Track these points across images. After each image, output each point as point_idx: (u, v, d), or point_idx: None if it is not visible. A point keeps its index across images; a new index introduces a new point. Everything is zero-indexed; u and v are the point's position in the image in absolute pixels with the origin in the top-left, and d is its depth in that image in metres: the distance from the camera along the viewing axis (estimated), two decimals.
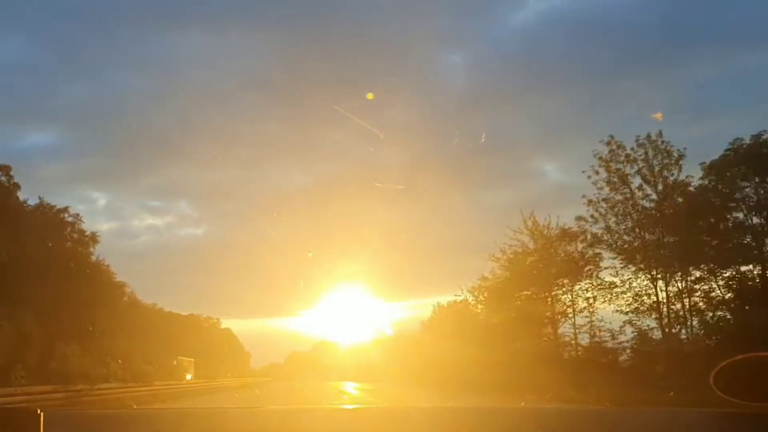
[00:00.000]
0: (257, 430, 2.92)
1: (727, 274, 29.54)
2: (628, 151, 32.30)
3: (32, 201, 47.55)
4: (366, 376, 75.52)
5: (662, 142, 32.00)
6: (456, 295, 48.59)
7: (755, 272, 28.95)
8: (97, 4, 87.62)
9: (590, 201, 32.93)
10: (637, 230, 32.58)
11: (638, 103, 66.03)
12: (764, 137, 28.27)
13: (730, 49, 75.57)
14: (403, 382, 54.75)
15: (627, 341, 33.07)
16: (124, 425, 2.99)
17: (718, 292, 30.12)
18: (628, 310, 32.41)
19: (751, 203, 28.63)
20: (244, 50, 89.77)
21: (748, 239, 29.23)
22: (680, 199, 32.26)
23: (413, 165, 64.00)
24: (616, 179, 32.37)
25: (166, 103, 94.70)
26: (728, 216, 29.43)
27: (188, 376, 51.43)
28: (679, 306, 31.78)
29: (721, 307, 30.03)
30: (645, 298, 32.14)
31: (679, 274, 31.53)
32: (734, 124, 75.36)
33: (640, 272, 32.25)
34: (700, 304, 30.83)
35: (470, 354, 40.55)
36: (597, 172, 32.69)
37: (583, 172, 33.00)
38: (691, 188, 31.78)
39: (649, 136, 32.14)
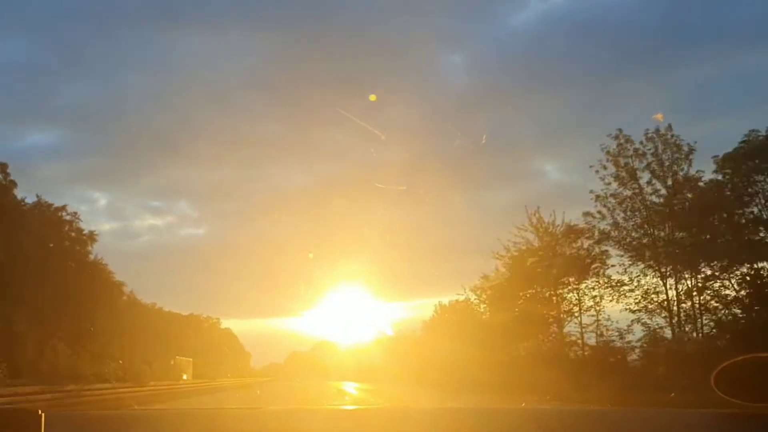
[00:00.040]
0: (257, 431, 2.88)
1: (741, 271, 28.10)
2: (637, 146, 30.98)
3: (30, 200, 46.70)
4: (366, 376, 74.47)
5: (672, 135, 30.70)
6: (458, 294, 47.35)
7: None
8: (98, 4, 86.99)
9: (598, 196, 31.60)
10: (646, 226, 31.14)
11: (638, 103, 65.16)
12: None
13: (730, 49, 75.10)
14: (404, 382, 53.90)
15: (635, 341, 31.73)
16: (124, 426, 2.93)
17: (731, 289, 28.70)
18: (636, 308, 31.01)
19: (766, 197, 27.22)
20: (245, 50, 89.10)
21: (762, 234, 27.84)
22: (689, 195, 30.87)
23: (413, 165, 62.94)
24: (624, 174, 30.98)
25: (167, 103, 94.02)
26: (742, 211, 28.00)
27: (184, 376, 49.99)
28: (689, 304, 30.37)
29: (733, 305, 28.62)
30: (654, 296, 30.77)
31: (690, 271, 30.11)
32: (734, 124, 74.47)
33: (649, 269, 30.84)
34: (712, 302, 29.40)
35: (472, 354, 39.39)
36: (605, 167, 31.40)
37: (591, 167, 31.77)
38: (701, 183, 30.39)
39: (658, 130, 30.87)
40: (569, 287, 35.45)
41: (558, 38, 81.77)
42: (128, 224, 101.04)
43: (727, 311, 28.45)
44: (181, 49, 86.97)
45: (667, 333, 30.42)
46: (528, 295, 37.27)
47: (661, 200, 30.83)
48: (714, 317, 28.80)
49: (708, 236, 28.94)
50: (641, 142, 30.89)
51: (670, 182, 30.62)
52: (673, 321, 30.13)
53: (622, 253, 32.10)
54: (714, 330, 29.43)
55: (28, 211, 46.30)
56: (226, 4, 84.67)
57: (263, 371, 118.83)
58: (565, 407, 11.00)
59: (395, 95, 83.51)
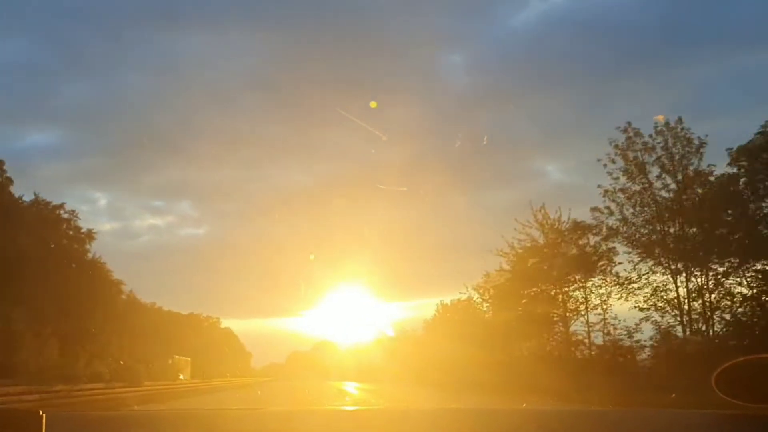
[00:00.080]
0: None
1: (755, 269, 26.79)
2: (646, 139, 29.67)
3: (28, 198, 45.71)
4: (367, 376, 73.53)
5: (682, 129, 29.38)
6: (461, 293, 46.09)
7: None
8: (98, 4, 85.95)
9: (606, 191, 30.25)
10: (655, 222, 29.83)
11: (638, 103, 64.29)
12: None
13: (730, 49, 74.42)
14: (404, 382, 53.08)
15: (644, 339, 30.45)
16: (125, 426, 2.91)
17: (745, 287, 27.42)
18: (645, 306, 29.71)
19: None
20: (245, 50, 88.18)
21: None
22: (699, 190, 29.59)
23: (414, 165, 62.18)
24: (633, 168, 29.68)
25: (167, 103, 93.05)
26: (757, 205, 26.68)
27: (181, 376, 48.67)
28: (699, 303, 29.05)
29: (746, 303, 27.31)
30: (663, 293, 29.46)
31: (701, 268, 28.81)
32: (734, 124, 73.18)
33: (659, 266, 29.54)
34: (725, 300, 28.08)
35: (474, 354, 38.25)
36: (613, 161, 30.06)
37: (599, 160, 30.47)
38: (711, 178, 29.12)
39: (667, 123, 29.57)
40: (575, 285, 34.13)
41: (558, 38, 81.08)
42: (129, 224, 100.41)
43: (741, 310, 27.11)
44: (181, 49, 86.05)
45: (677, 332, 29.14)
46: (533, 293, 35.96)
47: (671, 195, 29.53)
48: (728, 316, 27.42)
49: (721, 232, 27.61)
50: (651, 136, 29.64)
51: (680, 177, 29.31)
52: (684, 320, 28.81)
53: (630, 249, 30.84)
54: (725, 329, 28.20)
55: (26, 209, 45.36)
56: (226, 4, 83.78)
57: (264, 371, 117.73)
58: (565, 408, 10.96)
59: (395, 95, 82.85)
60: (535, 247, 35.30)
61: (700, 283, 29.02)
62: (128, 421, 3.05)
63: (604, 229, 31.32)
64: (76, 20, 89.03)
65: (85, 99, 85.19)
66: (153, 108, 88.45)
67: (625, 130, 29.97)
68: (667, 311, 29.22)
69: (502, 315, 40.24)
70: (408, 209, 69.78)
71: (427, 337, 56.47)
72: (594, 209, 30.96)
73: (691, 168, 29.33)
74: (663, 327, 29.09)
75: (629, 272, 30.59)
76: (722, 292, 28.29)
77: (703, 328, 28.74)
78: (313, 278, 59.37)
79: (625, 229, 30.35)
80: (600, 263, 33.01)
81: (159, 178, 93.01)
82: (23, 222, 42.00)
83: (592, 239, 33.53)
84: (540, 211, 35.26)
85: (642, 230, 30.06)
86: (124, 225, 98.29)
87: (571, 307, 34.46)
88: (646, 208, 29.93)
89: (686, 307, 28.90)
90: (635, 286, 30.41)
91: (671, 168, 29.28)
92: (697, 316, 28.90)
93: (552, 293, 35.18)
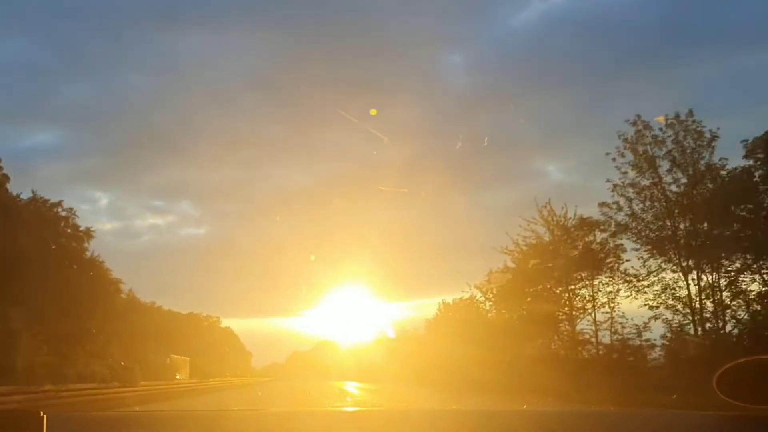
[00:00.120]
0: None
1: None
2: (656, 132, 28.43)
3: (26, 196, 44.77)
4: (367, 376, 72.47)
5: (693, 121, 28.11)
6: (463, 292, 44.82)
7: None
8: (98, 4, 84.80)
9: (615, 185, 28.95)
10: (666, 218, 28.53)
11: (638, 103, 63.20)
12: None
13: (730, 49, 73.69)
14: (405, 382, 52.01)
15: (654, 339, 29.20)
16: (125, 427, 2.90)
17: (759, 284, 26.15)
18: (654, 303, 28.43)
19: None
20: (245, 50, 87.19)
21: None
22: (710, 185, 28.30)
23: (414, 165, 61.24)
24: (644, 162, 28.39)
25: (167, 103, 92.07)
26: None
27: (178, 376, 47.31)
28: (711, 300, 27.77)
29: (760, 302, 26.05)
30: (674, 291, 28.18)
31: (713, 265, 27.54)
32: (734, 124, 72.38)
33: (669, 263, 28.25)
34: (738, 299, 26.80)
35: (477, 354, 36.91)
36: (623, 155, 28.79)
37: (607, 154, 29.23)
38: (723, 172, 27.84)
39: (678, 116, 28.29)
40: (582, 283, 32.82)
41: (558, 38, 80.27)
42: (129, 224, 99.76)
43: (756, 309, 25.81)
44: (181, 49, 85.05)
45: (689, 330, 27.82)
46: (538, 291, 34.64)
47: (682, 189, 28.23)
48: (744, 313, 26.16)
49: (734, 227, 26.35)
50: (661, 129, 28.39)
51: (691, 171, 28.03)
52: (696, 318, 27.51)
53: (639, 246, 29.56)
54: (735, 329, 26.99)
55: (24, 207, 44.35)
56: (226, 4, 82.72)
57: (264, 371, 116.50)
58: (566, 409, 11.00)
59: (396, 95, 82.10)
60: (541, 245, 34.02)
61: (711, 281, 27.80)
62: (129, 421, 3.01)
63: (613, 225, 29.99)
64: (76, 20, 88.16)
65: (86, 99, 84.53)
66: (153, 108, 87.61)
67: (634, 123, 28.78)
68: (678, 310, 27.92)
69: (507, 314, 39.06)
70: (408, 209, 68.75)
71: (429, 337, 55.30)
72: (602, 204, 29.74)
73: (702, 162, 28.10)
74: (674, 325, 27.77)
75: (639, 269, 29.34)
76: (735, 290, 27.03)
77: (715, 327, 27.46)
78: (313, 278, 58.46)
79: (634, 224, 29.06)
80: (607, 260, 31.74)
81: (159, 178, 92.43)
82: (20, 220, 41.10)
83: (599, 236, 32.33)
84: (545, 207, 34.03)
85: (652, 226, 28.76)
86: (124, 225, 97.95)
87: (578, 306, 33.15)
88: (656, 203, 28.66)
89: (698, 305, 27.61)
90: (644, 283, 29.13)
91: (682, 162, 28.00)
92: (709, 315, 27.61)
93: (558, 291, 33.86)
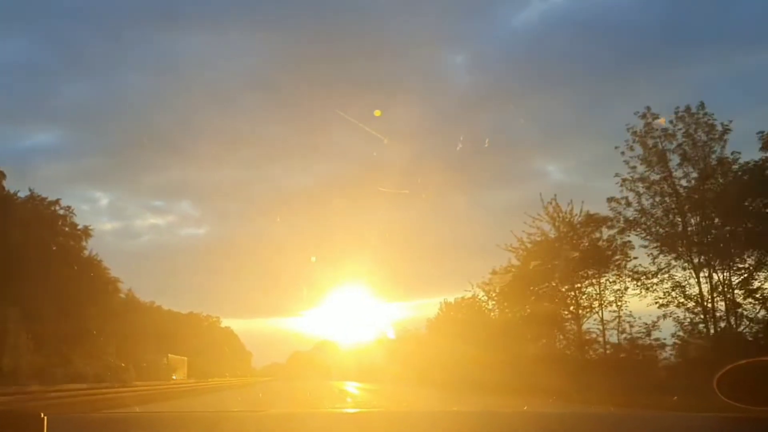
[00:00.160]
0: None
1: None
2: (666, 125, 27.16)
3: (24, 195, 43.90)
4: (368, 376, 71.35)
5: (704, 114, 26.85)
6: (466, 291, 43.56)
7: None
8: (98, 4, 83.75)
9: (624, 180, 27.66)
10: (676, 213, 27.26)
11: (638, 103, 61.86)
12: None
13: (730, 49, 72.61)
14: (406, 382, 50.95)
15: (663, 338, 27.93)
16: (126, 428, 2.87)
17: None
18: (664, 302, 27.15)
19: None
20: (245, 50, 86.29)
21: None
22: (721, 180, 27.04)
23: (415, 165, 60.29)
24: (653, 156, 27.14)
25: (168, 103, 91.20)
26: None
27: (174, 377, 46.01)
28: (723, 299, 26.49)
29: None
30: (685, 289, 26.89)
31: (726, 262, 26.27)
32: (734, 124, 70.93)
33: (680, 260, 26.96)
34: (751, 298, 25.52)
35: (479, 354, 35.77)
36: (632, 148, 27.52)
37: (616, 148, 27.99)
38: (735, 167, 26.57)
39: (688, 109, 27.03)
40: (589, 281, 31.51)
41: (558, 38, 79.42)
42: (130, 224, 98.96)
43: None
44: (181, 49, 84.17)
45: (700, 330, 26.55)
46: (543, 290, 33.33)
47: (693, 184, 26.96)
48: (760, 311, 24.86)
49: (748, 223, 25.10)
50: (671, 122, 27.14)
51: (702, 165, 26.77)
52: (708, 317, 26.22)
53: (647, 243, 28.27)
54: (748, 328, 25.72)
55: (21, 205, 43.37)
56: (226, 4, 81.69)
57: (264, 371, 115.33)
58: (566, 410, 10.76)
59: (396, 95, 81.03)
60: (546, 242, 32.73)
61: (722, 278, 26.53)
62: (129, 423, 2.97)
63: (621, 221, 28.71)
64: (76, 20, 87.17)
65: (86, 99, 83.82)
66: (153, 108, 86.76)
67: (643, 116, 27.53)
68: (689, 308, 26.64)
69: (511, 313, 37.83)
70: (409, 209, 67.83)
71: (430, 337, 54.09)
72: (611, 199, 28.45)
73: (713, 156, 26.85)
74: (685, 324, 26.49)
75: (648, 266, 28.05)
76: (749, 288, 25.75)
77: (728, 325, 26.17)
78: (314, 278, 57.96)
79: (643, 220, 27.77)
80: (615, 258, 30.46)
81: (159, 178, 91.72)
82: (17, 217, 40.18)
83: (606, 233, 31.08)
84: (551, 203, 32.74)
85: (662, 221, 27.49)
86: (124, 225, 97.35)
87: (584, 304, 31.84)
88: (666, 198, 27.37)
89: (709, 304, 26.33)
90: (653, 281, 27.83)
91: (693, 155, 26.73)
92: (721, 314, 26.33)
93: (563, 289, 32.56)
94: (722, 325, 25.83)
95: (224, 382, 58.72)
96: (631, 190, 27.77)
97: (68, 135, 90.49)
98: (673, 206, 27.38)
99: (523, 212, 33.53)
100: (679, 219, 27.38)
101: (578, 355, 31.62)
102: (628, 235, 29.91)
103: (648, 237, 27.92)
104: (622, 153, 27.64)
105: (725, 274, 26.53)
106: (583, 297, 31.76)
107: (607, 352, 30.45)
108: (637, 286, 28.68)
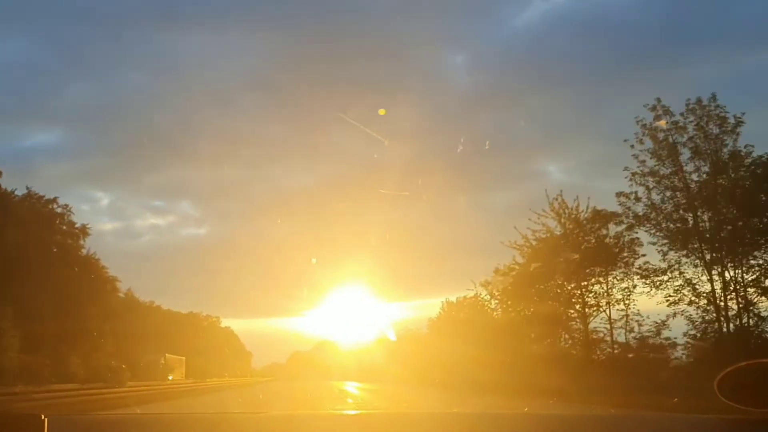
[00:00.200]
0: None
1: None
2: (677, 118, 25.98)
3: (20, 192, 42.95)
4: (368, 376, 70.24)
5: (716, 106, 25.68)
6: (468, 290, 42.32)
7: None
8: (98, 4, 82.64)
9: (634, 174, 26.45)
10: (688, 208, 26.06)
11: (638, 103, 60.78)
12: None
13: (730, 49, 71.62)
14: (406, 382, 49.73)
15: (674, 337, 26.75)
16: (127, 429, 2.86)
17: None
18: (675, 299, 25.94)
19: None
20: (245, 50, 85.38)
21: None
22: (733, 174, 25.86)
23: (416, 165, 59.14)
24: (665, 150, 25.94)
25: (168, 103, 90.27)
26: None
27: (170, 377, 44.73)
28: (731, 298, 25.30)
29: None
30: (697, 286, 25.71)
31: (740, 259, 25.11)
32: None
33: (692, 257, 25.75)
34: (765, 295, 24.33)
35: (481, 354, 34.62)
36: (641, 141, 26.33)
37: (625, 141, 26.78)
38: (748, 160, 25.40)
39: (700, 101, 25.83)
40: (595, 278, 30.28)
41: (559, 38, 78.49)
42: (130, 224, 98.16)
43: None
44: (181, 49, 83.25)
45: (713, 329, 25.34)
46: (549, 287, 32.10)
47: (705, 178, 25.76)
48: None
49: (764, 219, 23.92)
50: (682, 114, 25.96)
51: (714, 158, 25.58)
52: (720, 316, 25.01)
53: (656, 240, 27.05)
54: (760, 327, 24.55)
55: (18, 203, 42.34)
56: (226, 4, 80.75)
57: (264, 371, 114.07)
58: (567, 411, 10.53)
59: (397, 96, 79.97)
60: (552, 238, 31.49)
61: (735, 276, 25.34)
62: (130, 424, 2.94)
63: (631, 216, 27.50)
64: (76, 20, 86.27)
65: (86, 99, 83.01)
66: (153, 108, 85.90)
67: (653, 108, 26.32)
68: (700, 306, 25.42)
69: (513, 312, 36.63)
70: (409, 209, 66.91)
71: (431, 337, 52.89)
72: (620, 194, 27.21)
73: (725, 149, 25.65)
74: (697, 323, 25.28)
75: (659, 262, 26.84)
76: (762, 286, 24.56)
77: (741, 324, 24.98)
78: (314, 278, 57.10)
79: (653, 215, 26.55)
80: (622, 255, 29.25)
81: (160, 178, 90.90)
82: (14, 216, 39.26)
83: (613, 229, 29.89)
84: (557, 199, 31.51)
85: (673, 216, 26.27)
86: (125, 225, 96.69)
87: (591, 303, 30.60)
88: (677, 193, 26.15)
89: (722, 302, 25.12)
90: (663, 278, 26.60)
91: (705, 148, 25.54)
92: (734, 312, 25.13)
93: (570, 287, 31.32)
94: (735, 324, 24.61)
95: (223, 382, 57.48)
96: (640, 184, 26.61)
97: (68, 135, 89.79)
98: (684, 201, 26.19)
99: (524, 212, 32.54)
100: (690, 214, 26.20)
101: (585, 354, 30.40)
102: (636, 232, 28.84)
103: (658, 233, 26.72)
104: (632, 146, 26.50)
105: (737, 271, 25.40)
106: (590, 295, 30.55)
107: (615, 351, 29.23)
108: (646, 284, 27.51)
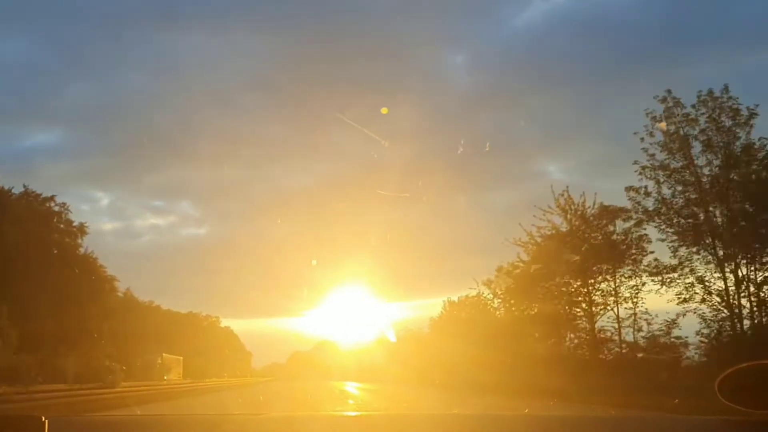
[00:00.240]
0: None
1: None
2: (688, 110, 24.80)
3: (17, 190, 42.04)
4: (368, 376, 69.24)
5: (729, 98, 24.49)
6: (470, 289, 41.14)
7: None
8: (98, 4, 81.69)
9: (644, 168, 25.23)
10: (699, 203, 24.87)
11: (639, 103, 59.93)
12: None
13: (730, 49, 70.61)
14: (407, 383, 48.85)
15: (685, 336, 25.55)
16: (127, 431, 2.81)
17: None
18: (687, 296, 24.73)
19: None
20: (245, 51, 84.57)
21: None
22: (744, 169, 24.66)
23: (416, 165, 58.21)
24: (675, 142, 24.75)
25: (168, 103, 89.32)
26: None
27: (165, 377, 43.47)
28: (744, 296, 24.13)
29: None
30: (709, 284, 24.50)
31: (751, 256, 23.93)
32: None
33: (704, 252, 24.54)
34: None
35: (483, 354, 33.51)
36: (652, 134, 25.14)
37: (635, 133, 25.58)
38: (762, 153, 24.19)
39: (711, 93, 24.64)
40: (602, 276, 29.07)
41: (559, 38, 77.60)
42: (130, 224, 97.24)
43: None
44: (181, 49, 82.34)
45: (726, 328, 24.14)
46: (555, 285, 30.87)
47: (717, 171, 24.56)
48: None
49: None
50: (693, 106, 24.78)
51: (727, 151, 24.39)
52: (734, 314, 23.80)
53: (665, 236, 25.84)
54: None
55: (15, 202, 41.39)
56: (227, 4, 79.88)
57: (264, 371, 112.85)
58: (567, 413, 10.43)
59: (397, 96, 79.08)
60: (558, 235, 30.26)
61: (748, 273, 24.16)
62: (130, 425, 2.93)
63: (640, 211, 26.27)
64: (76, 20, 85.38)
65: (86, 99, 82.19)
66: (153, 108, 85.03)
67: (663, 100, 25.11)
68: (714, 304, 24.21)
69: (516, 311, 35.45)
70: (409, 209, 66.03)
71: (433, 336, 51.74)
72: (629, 188, 25.98)
73: (738, 142, 24.47)
74: (710, 321, 24.06)
75: (669, 259, 25.64)
76: None
77: (755, 323, 23.79)
78: (314, 278, 56.30)
79: (664, 210, 25.34)
80: (631, 251, 28.05)
81: (160, 178, 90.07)
82: (11, 214, 38.35)
83: (620, 225, 28.72)
84: (563, 195, 30.29)
85: (684, 211, 25.07)
86: (125, 225, 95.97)
87: (599, 301, 29.37)
88: (689, 187, 24.96)
89: (735, 301, 23.93)
90: (674, 275, 25.40)
91: (718, 141, 24.35)
92: (748, 311, 23.93)
93: (576, 285, 30.11)
94: (751, 321, 23.41)
95: (221, 382, 56.21)
96: (650, 178, 25.40)
97: (68, 135, 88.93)
98: (695, 196, 25.00)
99: (524, 212, 31.55)
100: (702, 209, 25.01)
101: (592, 354, 29.20)
102: (645, 228, 27.66)
103: (668, 229, 25.51)
104: (642, 139, 25.30)
105: (751, 268, 24.21)
106: (597, 293, 29.33)
107: (623, 351, 28.01)
108: (656, 281, 26.29)
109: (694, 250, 25.01)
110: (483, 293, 40.30)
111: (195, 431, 2.74)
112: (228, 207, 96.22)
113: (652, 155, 25.35)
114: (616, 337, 28.49)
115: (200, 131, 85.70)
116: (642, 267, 27.65)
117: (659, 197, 25.43)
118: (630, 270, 28.36)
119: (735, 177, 24.47)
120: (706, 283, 24.55)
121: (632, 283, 28.08)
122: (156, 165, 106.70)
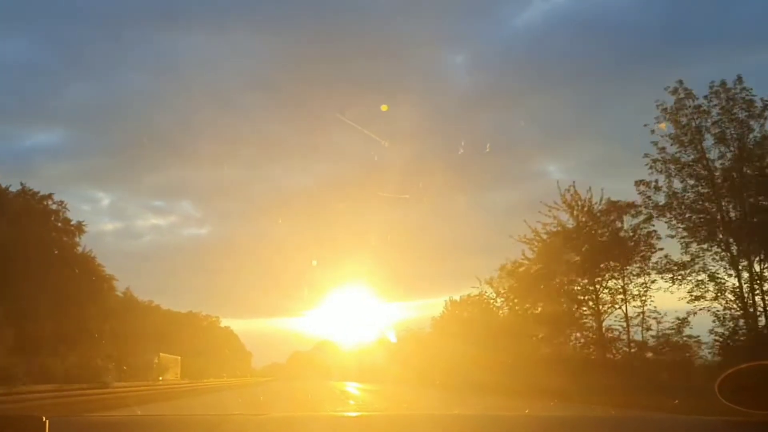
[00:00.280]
0: None
1: None
2: (700, 101, 23.72)
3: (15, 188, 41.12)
4: (368, 376, 68.12)
5: (742, 89, 23.42)
6: (473, 287, 39.99)
7: None
8: (98, 4, 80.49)
9: (655, 160, 24.10)
10: (712, 198, 23.74)
11: (638, 103, 59.08)
12: None
13: (730, 49, 69.33)
14: (407, 383, 47.74)
15: (697, 335, 24.43)
16: (127, 431, 2.80)
17: None
18: (699, 293, 23.61)
19: None
20: (245, 51, 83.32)
21: None
22: (758, 163, 23.57)
23: (416, 165, 57.27)
24: (687, 135, 23.65)
25: (168, 103, 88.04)
26: None
27: (160, 378, 42.25)
28: (757, 294, 22.99)
29: None
30: (722, 281, 23.38)
31: (764, 252, 22.83)
32: None
33: (718, 248, 23.42)
34: None
35: (486, 354, 32.39)
36: (663, 127, 24.02)
37: (645, 125, 24.52)
38: None
39: (724, 84, 23.56)
40: (610, 273, 27.91)
41: (559, 38, 76.50)
42: (131, 224, 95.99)
43: None
44: (181, 49, 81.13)
45: (740, 325, 23.02)
46: (561, 282, 29.70)
47: (730, 165, 23.44)
48: None
49: None
50: (705, 97, 23.69)
51: (741, 144, 23.28)
52: (748, 312, 22.66)
53: (675, 232, 24.72)
54: None
55: (12, 200, 40.35)
56: (227, 4, 78.65)
57: (264, 371, 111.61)
58: (567, 413, 10.48)
59: (397, 96, 77.96)
60: (564, 232, 29.10)
61: (761, 270, 23.04)
62: (131, 425, 2.91)
63: (650, 206, 25.16)
64: (76, 20, 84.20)
65: (86, 99, 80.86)
66: (153, 108, 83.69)
67: (674, 91, 24.05)
68: (727, 302, 23.07)
69: (520, 310, 34.29)
70: (409, 209, 64.94)
71: (434, 336, 50.64)
72: (639, 182, 24.86)
73: (752, 135, 23.39)
74: (724, 319, 22.91)
75: (680, 255, 24.50)
76: None
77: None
78: (314, 278, 55.30)
79: (675, 205, 24.21)
80: (639, 249, 26.91)
81: (160, 178, 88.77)
82: (8, 212, 37.38)
83: (628, 222, 27.59)
84: (569, 191, 29.11)
85: (696, 206, 23.94)
86: (126, 225, 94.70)
87: (606, 300, 28.19)
88: (701, 182, 23.83)
89: (750, 300, 22.78)
90: (686, 272, 24.26)
91: (731, 134, 23.25)
92: (761, 309, 22.80)
93: (582, 283, 28.94)
94: (763, 321, 22.29)
95: (220, 382, 54.98)
96: (661, 172, 24.26)
97: (69, 135, 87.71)
98: (708, 190, 23.88)
99: (524, 212, 30.45)
100: (714, 204, 23.88)
101: (599, 354, 28.04)
102: (653, 224, 26.55)
103: (679, 225, 24.38)
104: (652, 131, 24.20)
105: (765, 265, 23.08)
106: (605, 291, 28.16)
107: (632, 350, 26.84)
108: (666, 279, 25.15)
109: (706, 246, 23.94)
110: (486, 292, 39.21)
111: (195, 431, 2.72)
112: (228, 207, 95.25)
113: (663, 148, 24.29)
114: (624, 336, 27.32)
115: (200, 131, 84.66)
116: (651, 264, 26.57)
117: (670, 191, 24.34)
118: (638, 267, 27.25)
119: (748, 171, 23.42)
120: (719, 280, 23.48)
121: (641, 280, 26.99)
122: (156, 165, 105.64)
